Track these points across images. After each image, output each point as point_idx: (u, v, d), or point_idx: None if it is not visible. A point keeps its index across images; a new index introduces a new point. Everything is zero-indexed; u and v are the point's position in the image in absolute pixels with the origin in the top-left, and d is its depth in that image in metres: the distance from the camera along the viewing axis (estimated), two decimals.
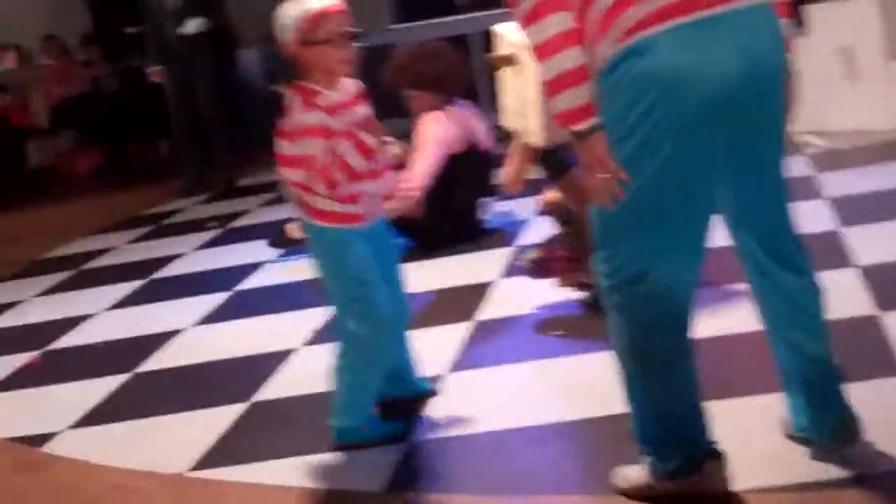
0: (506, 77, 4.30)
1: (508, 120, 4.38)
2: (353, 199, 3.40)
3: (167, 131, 10.66)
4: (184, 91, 9.04)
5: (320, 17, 3.30)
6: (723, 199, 2.72)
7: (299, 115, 3.32)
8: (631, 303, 2.69)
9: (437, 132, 5.68)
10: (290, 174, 3.35)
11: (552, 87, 2.56)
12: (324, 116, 3.32)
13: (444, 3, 10.31)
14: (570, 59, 2.52)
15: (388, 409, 3.73)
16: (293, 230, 6.17)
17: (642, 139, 2.53)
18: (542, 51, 2.54)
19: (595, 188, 2.61)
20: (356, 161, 3.38)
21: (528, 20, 2.53)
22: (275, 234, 6.20)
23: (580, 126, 2.56)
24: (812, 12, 6.89)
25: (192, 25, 8.82)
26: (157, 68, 9.04)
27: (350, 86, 3.46)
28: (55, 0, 13.11)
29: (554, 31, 2.51)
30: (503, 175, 4.69)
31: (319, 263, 3.50)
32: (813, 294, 2.81)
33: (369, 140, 3.45)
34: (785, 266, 2.76)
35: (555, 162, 4.37)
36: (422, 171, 5.53)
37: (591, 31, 2.53)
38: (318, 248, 3.48)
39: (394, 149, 3.60)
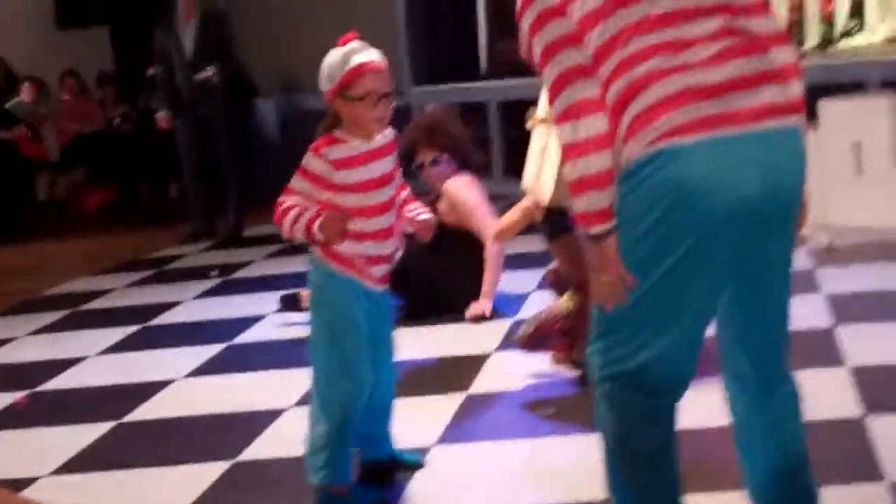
0: (537, 137, 4.36)
1: (525, 178, 4.45)
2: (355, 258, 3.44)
3: (179, 175, 10.74)
4: (195, 137, 9.07)
5: (360, 73, 3.33)
6: (724, 312, 2.72)
7: (306, 157, 3.41)
8: (622, 396, 2.69)
9: (478, 195, 5.75)
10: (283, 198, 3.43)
11: (575, 187, 2.56)
12: (324, 166, 3.37)
13: (467, 69, 10.32)
14: (598, 162, 2.53)
15: (372, 476, 3.71)
16: (307, 299, 6.14)
17: (657, 243, 2.53)
18: (573, 149, 2.55)
19: (600, 290, 2.62)
20: (359, 221, 3.41)
21: (564, 117, 2.55)
22: (288, 299, 6.17)
23: (597, 229, 2.57)
24: (825, 106, 6.92)
25: (206, 73, 8.86)
26: (164, 114, 9.07)
27: (384, 137, 3.48)
28: (80, 35, 13.21)
29: (587, 134, 2.52)
30: (499, 221, 4.74)
31: (313, 305, 3.53)
32: (793, 404, 2.79)
33: (384, 197, 3.46)
34: (770, 386, 2.76)
35: (556, 222, 4.41)
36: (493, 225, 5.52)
37: (622, 129, 2.54)
38: (316, 291, 3.52)
39: (425, 218, 3.60)
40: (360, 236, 3.43)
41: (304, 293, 6.14)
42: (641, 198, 2.52)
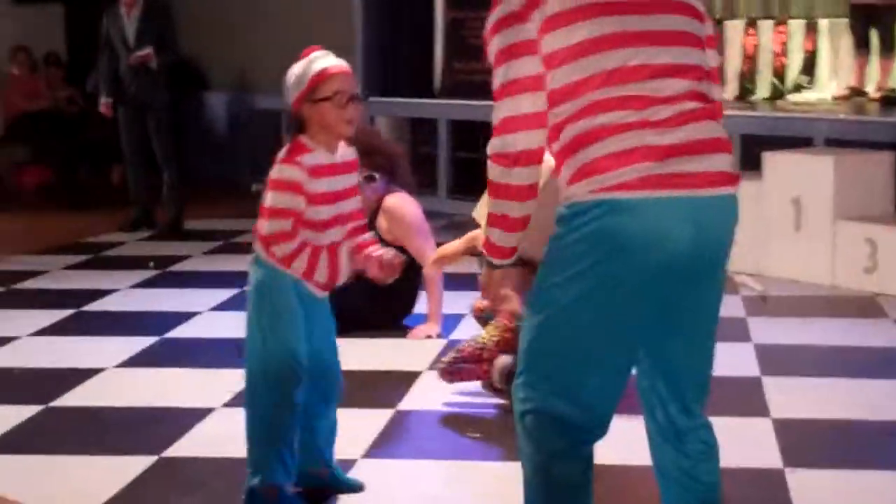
0: None
1: (478, 207, 4.55)
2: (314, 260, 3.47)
3: (121, 161, 10.64)
4: (136, 124, 9.02)
5: (328, 75, 3.42)
6: (646, 357, 2.78)
7: (279, 167, 3.43)
8: (542, 430, 2.74)
9: (418, 214, 5.77)
10: (260, 225, 3.44)
11: (492, 220, 2.74)
12: (301, 174, 3.40)
13: (421, 86, 10.36)
14: (519, 210, 2.70)
15: (308, 493, 3.71)
16: None
17: (588, 288, 2.60)
18: (500, 190, 2.69)
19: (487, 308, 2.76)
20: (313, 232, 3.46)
21: (510, 162, 2.66)
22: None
23: (498, 262, 2.78)
24: (769, 158, 7.05)
25: (144, 52, 8.80)
26: (106, 99, 9.02)
27: (345, 154, 3.56)
28: (35, 11, 13.08)
29: (518, 182, 2.67)
30: (441, 249, 4.79)
31: (253, 301, 3.53)
32: (709, 452, 2.84)
33: (341, 210, 3.53)
34: (688, 432, 2.81)
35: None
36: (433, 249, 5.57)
37: (569, 171, 2.61)
38: (259, 287, 3.51)
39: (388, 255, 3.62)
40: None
41: None
42: (577, 241, 2.59)
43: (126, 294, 6.90)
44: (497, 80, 2.68)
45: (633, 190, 2.54)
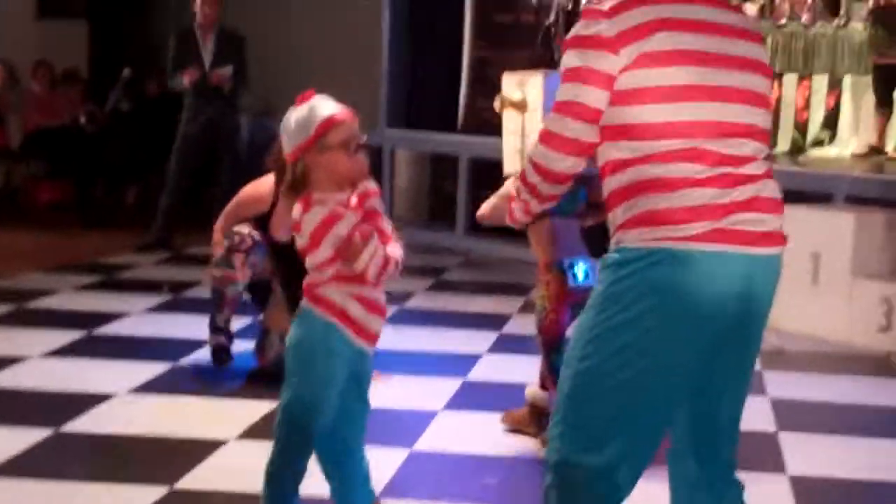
0: (509, 119, 4.43)
1: (506, 164, 4.58)
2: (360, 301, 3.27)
3: (138, 179, 10.65)
4: (202, 148, 9.05)
5: (336, 122, 3.23)
6: (680, 413, 2.77)
7: (308, 219, 3.21)
8: (573, 484, 2.70)
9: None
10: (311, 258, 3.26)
11: (514, 200, 2.89)
12: (328, 206, 3.20)
13: (444, 120, 10.33)
14: (538, 206, 2.85)
15: None
16: None
17: (638, 335, 2.61)
18: (529, 188, 2.81)
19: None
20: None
21: (542, 174, 2.75)
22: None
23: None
24: (790, 212, 6.99)
25: (226, 70, 8.92)
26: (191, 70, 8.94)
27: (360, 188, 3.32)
28: (58, 27, 13.11)
29: (544, 191, 2.80)
30: (483, 205, 4.71)
31: (299, 353, 3.29)
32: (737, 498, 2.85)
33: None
34: (719, 490, 2.81)
35: None
36: None
37: (625, 212, 2.64)
38: (302, 334, 3.29)
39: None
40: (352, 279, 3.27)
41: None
42: (631, 287, 2.60)
43: (138, 318, 6.87)
44: (562, 90, 2.70)
45: (692, 242, 2.58)
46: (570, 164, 2.71)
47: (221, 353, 5.72)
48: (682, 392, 2.71)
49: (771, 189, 2.70)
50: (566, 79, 2.69)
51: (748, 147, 2.67)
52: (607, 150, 2.68)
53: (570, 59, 2.68)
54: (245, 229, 5.51)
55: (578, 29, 2.68)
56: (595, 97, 2.64)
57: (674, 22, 2.64)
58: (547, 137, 2.71)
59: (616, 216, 2.67)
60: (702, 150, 2.60)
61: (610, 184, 2.69)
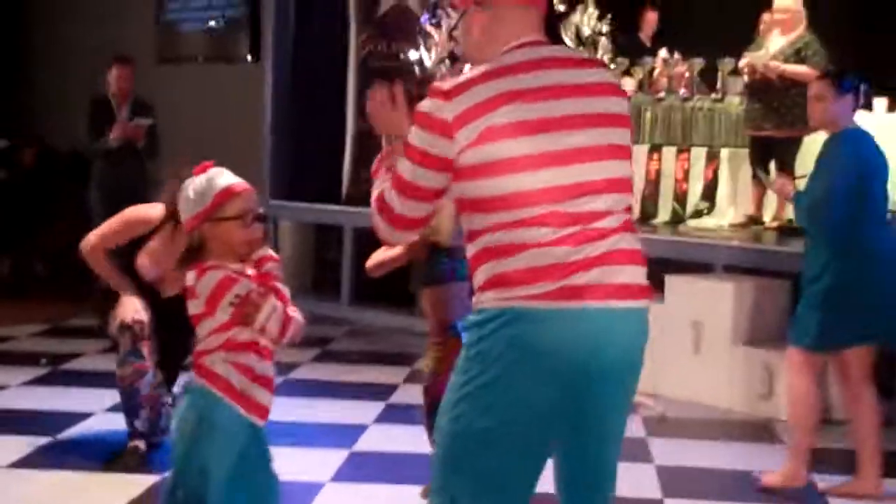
0: None
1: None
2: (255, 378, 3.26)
3: (12, 250, 10.51)
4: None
5: (233, 193, 3.26)
6: (564, 458, 2.82)
7: (203, 283, 3.22)
8: None
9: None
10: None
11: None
12: (225, 271, 3.22)
13: (328, 192, 10.36)
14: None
15: None
16: None
17: (497, 395, 2.65)
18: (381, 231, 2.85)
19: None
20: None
21: (389, 238, 2.86)
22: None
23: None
24: (671, 282, 7.17)
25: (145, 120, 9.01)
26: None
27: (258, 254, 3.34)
28: None
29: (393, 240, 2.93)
30: (376, 254, 4.66)
31: (185, 428, 3.25)
32: None
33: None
34: None
35: (435, 268, 4.62)
36: None
37: (483, 275, 2.68)
38: (195, 414, 3.23)
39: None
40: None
41: None
42: (493, 346, 2.64)
43: (16, 391, 6.68)
44: (402, 165, 2.74)
45: (537, 301, 2.61)
46: (416, 235, 2.87)
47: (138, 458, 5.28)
48: (545, 446, 2.74)
49: (628, 241, 2.71)
50: (407, 154, 2.74)
51: (601, 202, 2.68)
52: (465, 220, 2.74)
53: (412, 135, 2.73)
54: (142, 316, 5.25)
55: (423, 106, 2.72)
56: (437, 181, 2.71)
57: (517, 93, 2.67)
58: (394, 217, 2.77)
59: (476, 279, 2.73)
60: (549, 213, 2.63)
61: (470, 250, 2.75)
